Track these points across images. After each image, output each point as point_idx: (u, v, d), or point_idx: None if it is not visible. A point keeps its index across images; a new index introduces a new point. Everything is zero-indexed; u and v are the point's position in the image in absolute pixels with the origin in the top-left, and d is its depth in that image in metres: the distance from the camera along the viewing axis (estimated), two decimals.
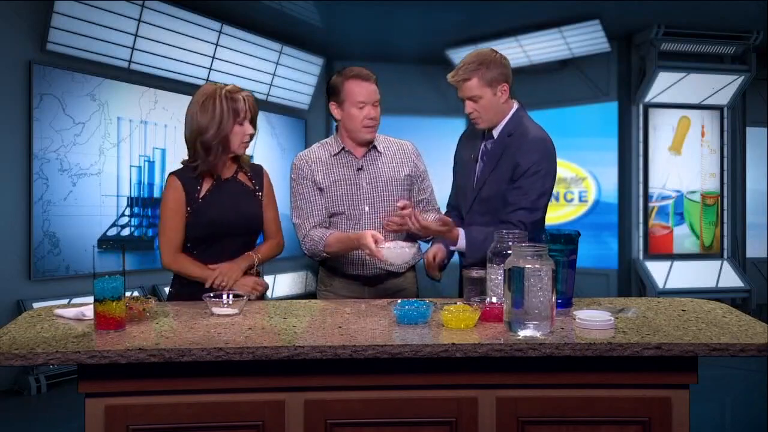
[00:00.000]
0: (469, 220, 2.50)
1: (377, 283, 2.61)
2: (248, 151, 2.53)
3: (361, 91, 2.52)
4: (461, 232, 2.42)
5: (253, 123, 2.45)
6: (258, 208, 2.49)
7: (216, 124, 2.35)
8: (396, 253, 2.29)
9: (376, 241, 2.32)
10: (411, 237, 2.51)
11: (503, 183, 2.47)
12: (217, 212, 2.39)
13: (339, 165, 2.61)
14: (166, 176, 2.48)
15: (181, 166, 2.45)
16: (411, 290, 2.66)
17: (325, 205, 2.59)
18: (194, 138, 2.37)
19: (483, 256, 2.13)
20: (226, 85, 2.43)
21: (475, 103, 2.46)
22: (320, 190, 2.59)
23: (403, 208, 2.35)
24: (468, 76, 2.43)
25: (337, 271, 2.63)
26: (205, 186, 2.42)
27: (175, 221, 2.38)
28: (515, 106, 2.54)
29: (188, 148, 2.42)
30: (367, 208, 2.57)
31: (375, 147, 2.63)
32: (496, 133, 2.53)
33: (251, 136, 2.43)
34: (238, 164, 2.50)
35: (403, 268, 2.63)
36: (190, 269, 2.38)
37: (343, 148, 2.61)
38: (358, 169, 2.60)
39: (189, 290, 2.37)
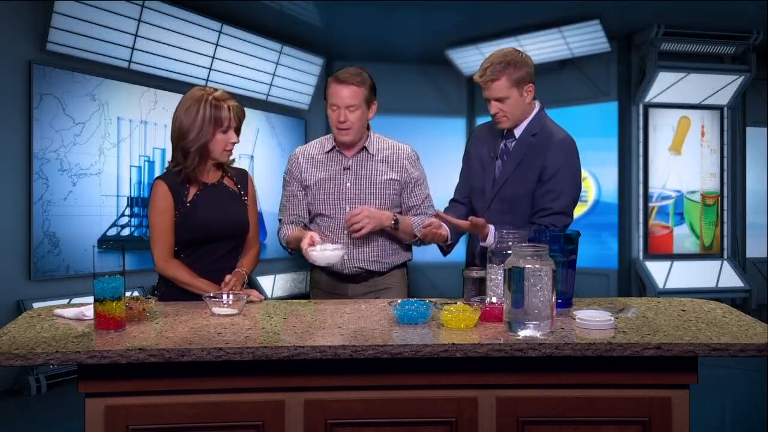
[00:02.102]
0: (487, 218, 2.47)
1: (360, 280, 2.65)
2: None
3: (335, 93, 2.55)
4: (492, 229, 2.40)
5: (237, 131, 2.43)
6: (244, 212, 2.50)
7: (197, 129, 2.34)
8: (319, 255, 2.41)
9: (313, 243, 2.43)
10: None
11: (528, 183, 2.47)
12: (206, 216, 2.40)
13: (328, 162, 2.66)
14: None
15: (165, 170, 2.46)
16: (399, 289, 2.67)
17: (305, 206, 2.68)
18: (175, 141, 2.39)
19: None
20: (216, 90, 2.41)
21: (501, 103, 2.45)
22: (306, 187, 2.66)
23: (428, 225, 2.44)
24: (496, 76, 2.42)
25: (323, 268, 2.67)
26: (192, 190, 2.42)
27: (166, 225, 2.38)
28: (537, 106, 2.54)
29: (172, 151, 2.44)
30: (348, 208, 2.59)
31: (366, 148, 2.64)
32: (518, 132, 2.52)
33: (233, 145, 2.42)
34: (222, 169, 2.50)
35: (386, 267, 2.65)
36: (184, 277, 2.38)
37: (334, 147, 2.66)
38: (345, 169, 2.64)
39: (176, 292, 2.38)
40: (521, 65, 2.44)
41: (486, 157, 2.59)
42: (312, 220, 2.69)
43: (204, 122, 2.34)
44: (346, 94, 2.54)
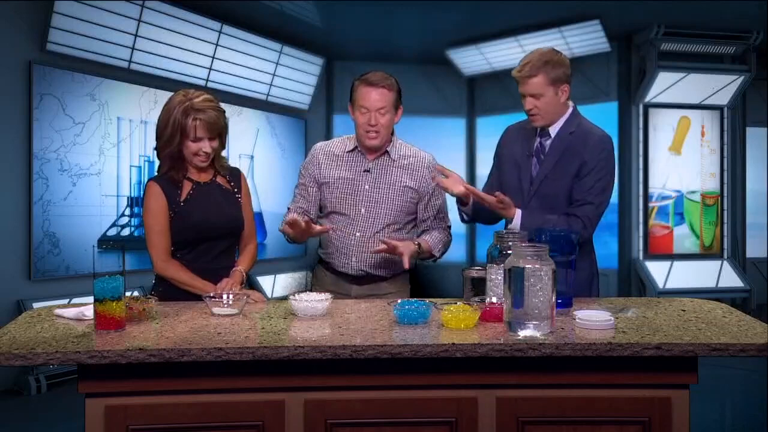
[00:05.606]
0: None
1: (364, 282, 2.66)
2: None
3: (365, 96, 2.55)
4: (519, 212, 2.47)
5: (220, 139, 2.42)
6: (239, 210, 2.51)
7: (166, 136, 2.37)
8: (303, 306, 2.07)
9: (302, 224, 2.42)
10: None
11: (567, 179, 2.54)
12: (200, 215, 2.40)
13: (349, 162, 2.67)
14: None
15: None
16: (401, 296, 2.64)
17: (315, 202, 2.68)
18: (156, 143, 2.43)
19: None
20: (200, 95, 2.39)
21: (536, 100, 2.51)
22: (323, 184, 2.67)
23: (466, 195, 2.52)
24: (534, 72, 2.49)
25: (329, 267, 2.71)
26: (185, 190, 2.43)
27: (161, 225, 2.39)
28: (572, 106, 2.61)
29: None
30: (363, 210, 2.62)
31: (388, 153, 2.65)
32: (554, 131, 2.59)
33: (207, 154, 2.41)
34: (215, 168, 2.50)
35: (390, 273, 2.67)
36: (183, 277, 2.38)
37: (356, 147, 2.66)
38: (365, 171, 2.64)
39: (173, 292, 2.38)
40: (558, 65, 2.51)
41: (521, 155, 2.64)
42: (326, 216, 2.70)
43: (173, 130, 2.35)
44: (376, 97, 2.54)
